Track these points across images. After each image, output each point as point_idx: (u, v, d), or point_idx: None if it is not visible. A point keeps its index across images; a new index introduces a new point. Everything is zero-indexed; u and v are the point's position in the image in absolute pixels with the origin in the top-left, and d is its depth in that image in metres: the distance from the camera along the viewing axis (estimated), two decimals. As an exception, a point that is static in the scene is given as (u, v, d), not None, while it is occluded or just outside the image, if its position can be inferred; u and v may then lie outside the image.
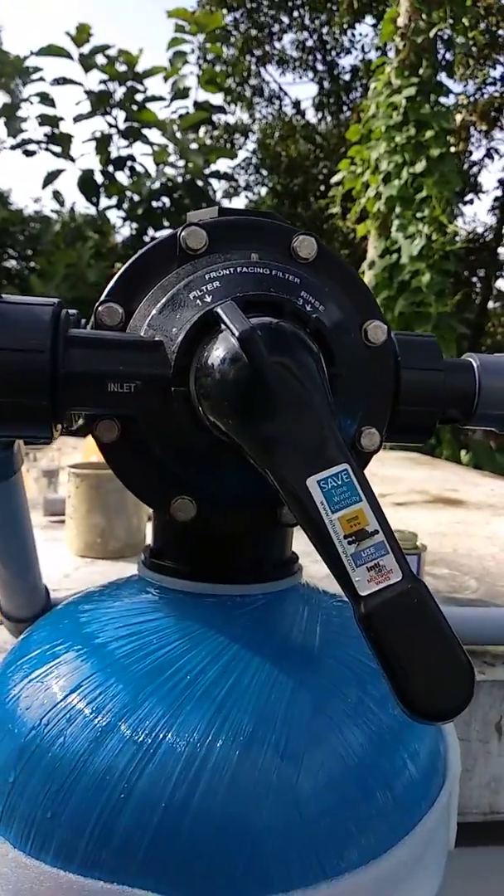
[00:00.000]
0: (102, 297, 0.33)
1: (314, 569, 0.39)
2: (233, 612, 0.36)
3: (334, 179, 4.73)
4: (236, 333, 0.27)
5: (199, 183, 4.32)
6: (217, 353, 0.29)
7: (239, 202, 10.38)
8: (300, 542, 0.35)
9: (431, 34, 4.21)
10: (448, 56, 4.53)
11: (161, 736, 0.30)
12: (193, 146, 4.23)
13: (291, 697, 0.32)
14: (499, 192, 9.33)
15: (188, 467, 0.33)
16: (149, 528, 0.99)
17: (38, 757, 0.31)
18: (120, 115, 4.46)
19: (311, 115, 10.09)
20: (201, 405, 0.30)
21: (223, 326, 0.28)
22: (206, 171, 4.34)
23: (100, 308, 0.33)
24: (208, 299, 0.31)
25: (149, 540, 0.40)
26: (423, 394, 0.36)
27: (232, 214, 0.35)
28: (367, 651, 0.37)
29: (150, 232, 4.56)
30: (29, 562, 0.51)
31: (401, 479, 1.72)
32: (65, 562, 0.86)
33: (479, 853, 0.69)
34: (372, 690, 0.35)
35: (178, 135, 4.27)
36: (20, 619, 0.54)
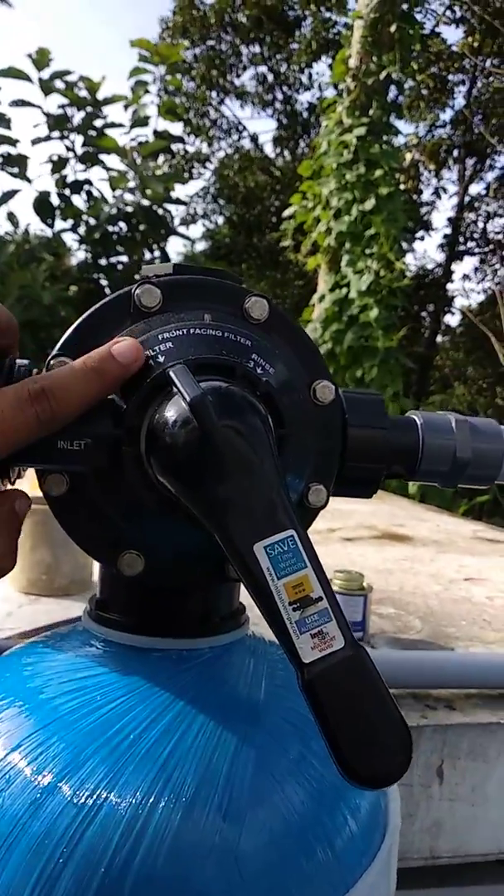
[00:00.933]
0: (55, 351, 0.33)
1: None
2: (178, 667, 0.36)
3: (287, 213, 4.82)
4: (187, 398, 0.27)
5: (159, 211, 4.34)
6: (168, 415, 0.29)
7: (196, 230, 10.47)
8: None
9: (382, 76, 4.35)
10: (398, 98, 4.69)
11: (102, 797, 0.30)
12: (157, 173, 4.26)
13: (234, 755, 0.32)
14: (448, 230, 9.65)
15: (136, 523, 0.33)
16: (96, 565, 0.97)
17: (-24, 819, 0.31)
18: (78, 139, 4.47)
19: (270, 150, 10.29)
20: (150, 465, 0.30)
21: (174, 389, 0.29)
22: (165, 197, 4.37)
23: (52, 362, 0.33)
24: (161, 360, 0.31)
25: (95, 577, 0.40)
26: (370, 450, 0.37)
27: (186, 273, 0.35)
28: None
29: (105, 257, 4.56)
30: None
31: (351, 513, 1.74)
32: (7, 599, 0.84)
33: (419, 895, 0.69)
34: (314, 746, 0.35)
35: (139, 161, 4.30)
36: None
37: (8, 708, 0.34)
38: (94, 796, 0.30)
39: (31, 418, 0.29)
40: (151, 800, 0.30)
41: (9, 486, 0.33)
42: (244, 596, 0.40)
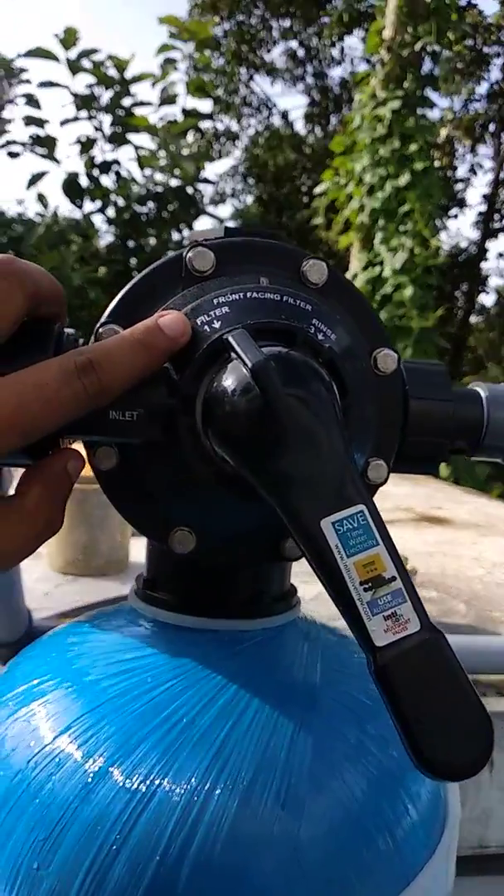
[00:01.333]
0: (104, 318, 0.32)
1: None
2: (230, 649, 0.34)
3: (318, 190, 4.75)
4: (249, 364, 0.26)
5: (189, 190, 4.31)
6: (227, 383, 0.27)
7: (225, 210, 10.40)
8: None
9: (417, 48, 4.24)
10: (434, 70, 4.58)
11: (156, 783, 0.29)
12: (185, 152, 4.22)
13: (292, 741, 0.31)
14: (482, 208, 9.46)
15: (190, 499, 0.32)
16: (133, 545, 0.97)
17: (25, 802, 0.30)
18: (106, 119, 4.44)
19: (301, 127, 10.16)
20: (208, 437, 0.29)
21: (234, 356, 0.27)
22: (195, 177, 4.34)
23: (101, 329, 0.31)
24: (217, 325, 0.29)
25: (132, 557, 0.38)
26: (432, 424, 0.35)
27: (238, 235, 0.34)
28: (365, 688, 0.36)
29: (135, 238, 4.54)
30: (12, 585, 0.49)
31: (387, 496, 1.71)
32: (45, 579, 0.84)
33: (466, 882, 0.68)
34: (371, 730, 0.34)
35: (169, 141, 4.27)
36: (1, 643, 0.52)
37: (55, 689, 0.33)
38: (148, 782, 0.29)
39: (79, 391, 0.27)
40: (207, 786, 0.29)
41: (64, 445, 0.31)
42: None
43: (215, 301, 0.30)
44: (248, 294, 0.30)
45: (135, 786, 0.29)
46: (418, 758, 0.24)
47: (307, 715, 0.33)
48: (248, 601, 0.36)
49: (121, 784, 0.29)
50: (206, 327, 0.29)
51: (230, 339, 0.27)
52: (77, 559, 0.86)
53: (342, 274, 0.34)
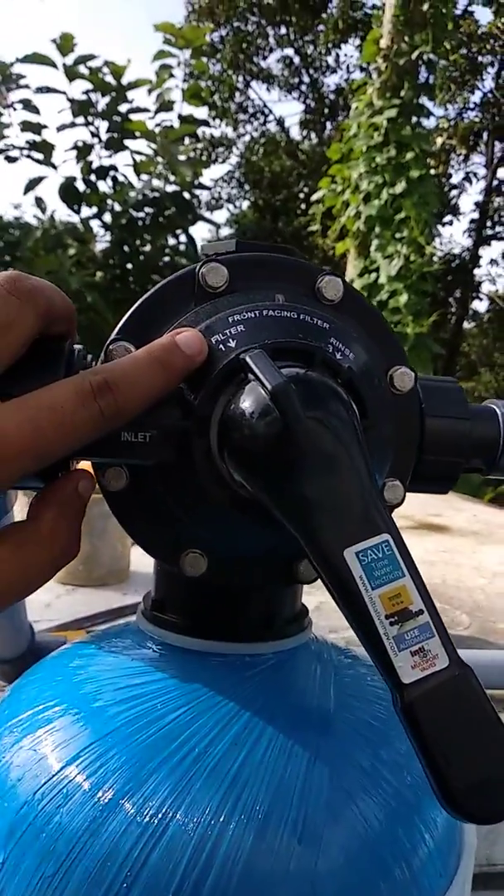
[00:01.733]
0: (114, 335, 0.31)
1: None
2: (242, 674, 0.33)
3: (315, 197, 4.76)
4: (269, 387, 0.25)
5: (186, 195, 4.31)
6: (245, 405, 0.26)
7: (220, 215, 10.41)
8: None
9: (413, 56, 4.26)
10: (430, 79, 4.59)
11: (168, 816, 0.28)
12: (181, 158, 4.22)
13: (307, 770, 0.30)
14: (475, 215, 9.50)
15: (202, 521, 0.31)
16: (134, 554, 0.96)
17: (32, 836, 0.29)
18: (102, 125, 4.44)
19: (296, 133, 10.19)
20: (224, 460, 0.28)
21: (252, 377, 0.26)
22: (191, 182, 4.34)
23: (111, 347, 0.30)
24: (232, 344, 0.28)
25: (133, 566, 0.37)
26: (449, 443, 0.34)
27: (250, 249, 0.33)
28: (378, 712, 0.35)
29: (131, 244, 4.53)
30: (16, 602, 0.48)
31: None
32: (47, 590, 0.83)
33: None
34: (385, 756, 0.33)
35: (166, 146, 4.27)
36: (3, 659, 0.51)
37: (62, 716, 0.32)
38: (160, 815, 0.28)
39: (95, 414, 0.26)
40: (222, 819, 0.28)
41: (73, 466, 0.30)
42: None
43: (230, 319, 0.29)
44: (264, 312, 0.29)
45: (146, 819, 0.28)
46: (448, 801, 0.23)
47: (322, 741, 0.32)
48: (259, 624, 0.35)
49: (132, 817, 0.28)
50: (221, 346, 0.28)
51: (248, 359, 0.26)
52: (78, 569, 0.85)
53: (357, 290, 0.33)
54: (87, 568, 0.84)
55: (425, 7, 4.18)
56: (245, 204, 10.17)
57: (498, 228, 9.86)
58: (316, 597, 0.26)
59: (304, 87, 9.81)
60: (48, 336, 0.29)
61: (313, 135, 9.94)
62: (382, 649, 0.24)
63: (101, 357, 0.31)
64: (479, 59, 8.27)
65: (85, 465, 0.31)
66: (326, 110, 9.77)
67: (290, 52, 9.60)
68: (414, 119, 4.31)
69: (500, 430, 0.35)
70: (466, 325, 10.35)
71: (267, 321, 0.29)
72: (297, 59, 9.64)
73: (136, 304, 0.31)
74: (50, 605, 0.78)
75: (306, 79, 9.76)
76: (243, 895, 0.27)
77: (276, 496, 0.26)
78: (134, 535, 0.32)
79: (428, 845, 0.32)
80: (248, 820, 0.28)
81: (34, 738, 0.32)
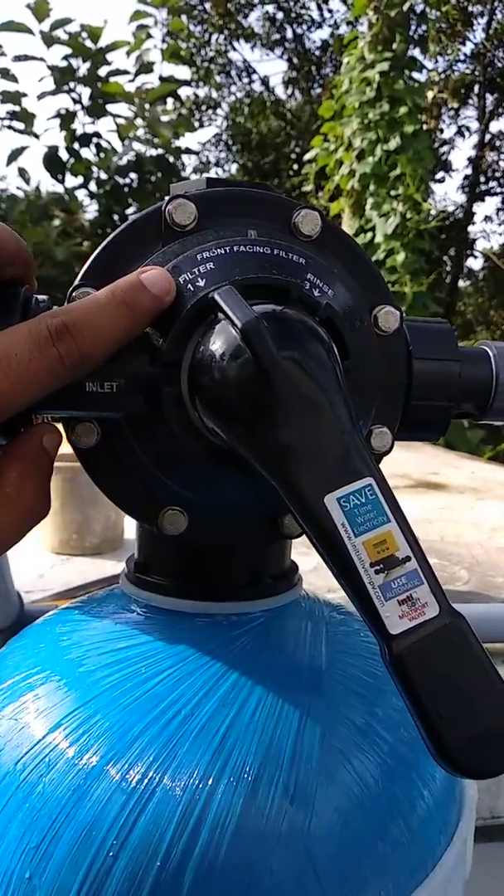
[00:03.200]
0: (77, 281, 0.29)
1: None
2: (229, 633, 0.32)
3: (307, 156, 4.67)
4: (238, 324, 0.23)
5: (171, 158, 4.24)
6: (214, 347, 0.25)
7: (209, 180, 10.23)
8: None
9: (405, 7, 4.15)
10: (421, 31, 4.48)
11: (155, 780, 0.27)
12: (163, 118, 4.15)
13: (298, 730, 0.29)
14: (468, 171, 9.35)
15: (179, 476, 0.29)
16: (127, 520, 0.95)
17: (14, 807, 0.28)
18: (84, 91, 4.35)
19: (281, 92, 9.99)
20: (196, 408, 0.26)
21: (221, 316, 0.25)
22: (176, 146, 4.26)
23: (74, 294, 0.28)
24: (201, 283, 0.27)
25: (128, 534, 0.36)
26: (439, 387, 0.32)
27: (221, 185, 0.31)
28: (373, 668, 0.34)
29: (118, 210, 4.47)
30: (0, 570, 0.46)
31: (382, 462, 1.69)
32: (39, 560, 0.82)
33: (476, 849, 0.67)
34: (380, 713, 0.32)
35: (146, 107, 4.19)
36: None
37: (45, 683, 0.31)
38: (146, 780, 0.27)
39: (54, 361, 0.24)
40: (210, 782, 0.27)
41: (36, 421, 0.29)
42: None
43: (199, 257, 0.27)
44: (235, 248, 0.27)
45: (132, 785, 0.27)
46: (442, 755, 0.21)
47: (313, 701, 0.31)
48: (246, 582, 0.34)
49: (117, 783, 0.27)
50: (189, 286, 0.27)
51: (216, 297, 0.25)
52: (71, 538, 0.84)
53: (337, 225, 0.31)
54: (80, 537, 0.83)
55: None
56: (234, 167, 10.00)
57: (491, 184, 9.72)
58: (314, 557, 0.25)
59: (287, 44, 9.58)
60: (1, 281, 0.27)
61: (298, 93, 9.73)
62: (368, 599, 0.22)
63: (64, 303, 0.29)
64: (470, 9, 8.07)
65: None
66: (313, 67, 9.56)
67: (273, 8, 9.37)
68: (406, 73, 4.21)
69: (492, 373, 0.34)
70: (462, 283, 10.27)
71: (238, 257, 0.27)
72: (279, 15, 9.40)
73: (100, 247, 0.29)
74: (43, 575, 0.77)
75: (290, 35, 9.53)
76: (234, 860, 0.26)
77: (251, 444, 0.24)
78: (109, 493, 0.30)
79: (427, 802, 0.32)
80: (237, 783, 0.27)
81: (17, 706, 0.31)
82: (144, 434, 0.28)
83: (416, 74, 4.34)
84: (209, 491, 0.30)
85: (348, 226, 4.34)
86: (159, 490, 0.30)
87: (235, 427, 0.25)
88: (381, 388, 0.31)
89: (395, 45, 4.16)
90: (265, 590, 0.34)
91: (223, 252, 0.27)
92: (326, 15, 9.63)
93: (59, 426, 0.29)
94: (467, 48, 8.46)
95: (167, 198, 0.29)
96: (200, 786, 0.27)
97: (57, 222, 4.25)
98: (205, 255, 0.27)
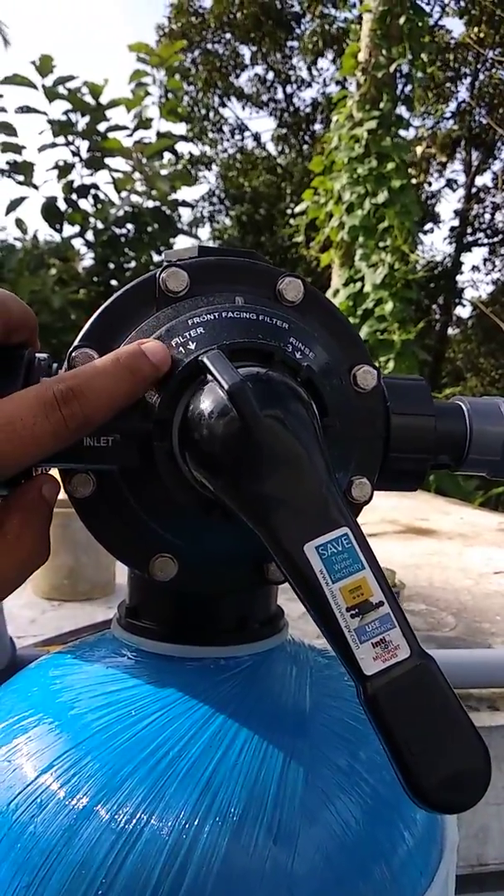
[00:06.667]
0: (77, 342, 0.31)
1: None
2: (217, 677, 0.33)
3: (298, 209, 4.80)
4: (225, 386, 0.25)
5: (167, 211, 4.35)
6: (204, 406, 0.27)
7: (204, 232, 10.46)
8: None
9: (391, 69, 4.32)
10: (407, 90, 4.66)
11: (143, 821, 0.28)
12: (163, 172, 4.27)
13: (282, 772, 0.30)
14: (455, 222, 9.59)
15: (169, 525, 0.31)
16: (119, 567, 0.95)
17: (6, 847, 0.29)
18: (83, 144, 4.47)
19: (272, 148, 10.27)
20: (186, 461, 0.28)
21: (210, 378, 0.26)
22: (172, 198, 4.37)
23: (74, 354, 0.30)
24: (192, 346, 0.29)
25: (119, 580, 0.37)
26: (415, 440, 0.34)
27: (212, 254, 0.33)
28: (356, 711, 0.35)
29: (114, 260, 4.56)
30: (-6, 616, 0.47)
31: (373, 508, 1.71)
32: (31, 605, 0.82)
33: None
34: (362, 755, 0.33)
35: (144, 161, 4.31)
36: (-17, 675, 0.51)
37: (37, 725, 0.32)
38: (134, 820, 0.28)
39: (58, 425, 0.25)
40: (196, 822, 0.28)
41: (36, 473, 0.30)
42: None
43: (190, 322, 0.29)
44: (223, 314, 0.30)
45: (120, 825, 0.28)
46: (414, 791, 0.23)
47: (297, 743, 0.32)
48: (233, 627, 0.35)
49: (106, 824, 0.28)
50: (181, 349, 0.29)
51: (205, 360, 0.27)
52: (62, 584, 0.85)
53: (319, 291, 0.34)
54: (72, 582, 0.84)
55: (402, 21, 4.25)
56: (227, 220, 10.22)
57: (479, 234, 9.96)
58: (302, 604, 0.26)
59: (276, 103, 9.89)
60: (7, 345, 0.29)
61: (287, 149, 10.02)
62: (344, 642, 0.24)
63: (64, 365, 0.31)
64: (459, 67, 8.39)
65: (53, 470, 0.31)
66: (303, 124, 9.85)
67: (262, 69, 9.70)
68: (394, 130, 4.36)
69: (466, 426, 0.36)
70: (451, 331, 10.43)
71: (226, 322, 0.29)
72: (270, 76, 9.73)
73: (98, 311, 0.31)
74: (35, 620, 0.78)
75: (280, 94, 9.86)
76: (220, 898, 0.27)
77: (236, 495, 0.26)
78: (102, 541, 0.32)
79: (408, 843, 0.32)
80: (222, 823, 0.28)
81: (9, 748, 0.32)
82: (138, 485, 0.30)
83: (403, 132, 4.50)
84: (198, 539, 0.31)
85: (338, 276, 4.44)
86: (151, 538, 0.31)
87: (222, 479, 0.26)
88: (359, 442, 0.33)
89: (382, 105, 4.33)
90: (252, 634, 0.35)
91: (212, 318, 0.29)
92: (315, 74, 9.98)
93: (56, 474, 0.31)
94: (453, 105, 8.78)
95: (162, 266, 0.32)
96: (187, 826, 0.28)
97: (53, 271, 4.33)
98: (195, 321, 0.29)
